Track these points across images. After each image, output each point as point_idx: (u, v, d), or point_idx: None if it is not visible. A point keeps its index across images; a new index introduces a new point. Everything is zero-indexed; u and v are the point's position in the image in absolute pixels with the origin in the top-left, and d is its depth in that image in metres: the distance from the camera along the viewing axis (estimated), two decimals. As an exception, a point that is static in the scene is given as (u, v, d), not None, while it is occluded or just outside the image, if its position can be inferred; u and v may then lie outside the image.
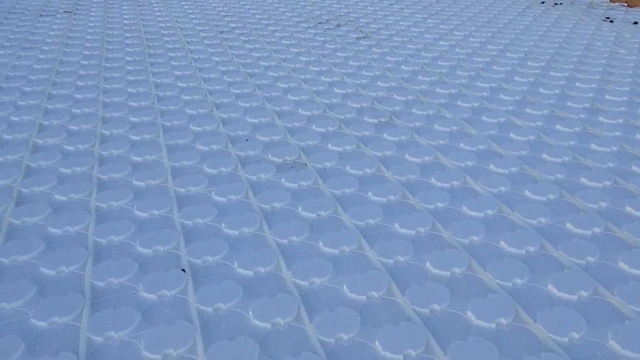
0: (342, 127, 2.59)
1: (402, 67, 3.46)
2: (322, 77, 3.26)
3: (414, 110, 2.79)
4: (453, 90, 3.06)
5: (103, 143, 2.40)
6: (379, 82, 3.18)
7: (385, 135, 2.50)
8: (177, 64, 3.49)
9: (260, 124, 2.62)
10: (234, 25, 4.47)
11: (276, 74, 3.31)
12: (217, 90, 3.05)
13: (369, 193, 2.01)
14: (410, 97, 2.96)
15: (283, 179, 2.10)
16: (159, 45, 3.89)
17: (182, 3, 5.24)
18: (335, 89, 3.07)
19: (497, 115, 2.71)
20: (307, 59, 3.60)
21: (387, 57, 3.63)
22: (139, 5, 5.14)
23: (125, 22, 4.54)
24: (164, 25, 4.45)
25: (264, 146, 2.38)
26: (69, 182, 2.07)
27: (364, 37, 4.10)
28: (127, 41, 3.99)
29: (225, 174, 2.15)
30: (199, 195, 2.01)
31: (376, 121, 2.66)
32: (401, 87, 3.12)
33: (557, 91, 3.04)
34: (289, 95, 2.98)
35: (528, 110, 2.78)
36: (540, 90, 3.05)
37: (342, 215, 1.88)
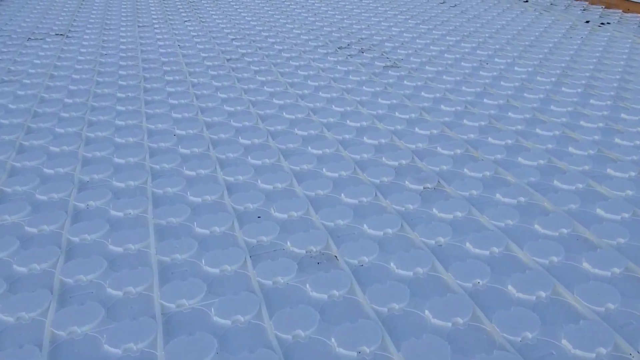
0: (378, 197, 2.04)
1: (442, 106, 2.90)
2: (347, 121, 2.71)
3: (465, 170, 2.25)
4: (510, 141, 2.50)
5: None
6: (416, 128, 2.63)
7: (435, 209, 1.95)
8: (176, 102, 2.96)
9: (276, 191, 2.09)
10: (244, 50, 3.94)
11: (292, 116, 2.77)
12: (222, 140, 2.52)
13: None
14: (458, 151, 2.41)
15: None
16: (156, 76, 3.37)
17: (187, 24, 4.73)
18: (364, 137, 2.53)
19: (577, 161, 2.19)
20: (328, 95, 3.05)
21: (423, 93, 3.08)
22: (138, 27, 4.65)
23: (122, 46, 4.03)
24: (164, 51, 3.93)
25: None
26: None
27: (393, 66, 3.56)
28: (120, 71, 3.47)
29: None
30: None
31: (421, 187, 2.11)
32: (445, 135, 2.56)
33: (634, 129, 2.49)
34: (309, 147, 2.43)
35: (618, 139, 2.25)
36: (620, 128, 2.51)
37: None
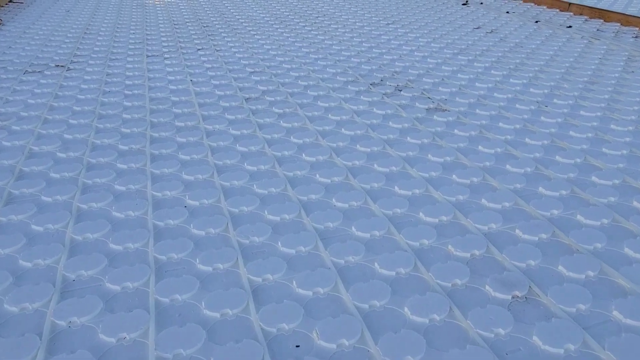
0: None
1: (508, 166, 2.40)
2: (395, 188, 2.20)
3: (560, 268, 1.74)
4: (564, 192, 2.00)
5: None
6: (483, 199, 2.12)
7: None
8: (187, 157, 2.48)
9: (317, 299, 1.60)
10: (264, 87, 3.47)
11: (328, 180, 2.27)
12: (244, 214, 2.03)
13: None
14: (544, 236, 1.90)
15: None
16: (165, 122, 2.90)
17: (200, 54, 4.29)
18: (421, 213, 2.03)
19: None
20: (368, 149, 2.55)
21: (480, 147, 2.59)
22: (147, 56, 4.21)
23: (128, 81, 3.58)
24: (174, 87, 3.47)
25: None
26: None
27: (437, 109, 3.07)
28: (124, 114, 3.01)
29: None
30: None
31: (509, 298, 1.60)
32: (518, 209, 2.06)
33: None
34: (352, 227, 1.92)
35: None
36: None
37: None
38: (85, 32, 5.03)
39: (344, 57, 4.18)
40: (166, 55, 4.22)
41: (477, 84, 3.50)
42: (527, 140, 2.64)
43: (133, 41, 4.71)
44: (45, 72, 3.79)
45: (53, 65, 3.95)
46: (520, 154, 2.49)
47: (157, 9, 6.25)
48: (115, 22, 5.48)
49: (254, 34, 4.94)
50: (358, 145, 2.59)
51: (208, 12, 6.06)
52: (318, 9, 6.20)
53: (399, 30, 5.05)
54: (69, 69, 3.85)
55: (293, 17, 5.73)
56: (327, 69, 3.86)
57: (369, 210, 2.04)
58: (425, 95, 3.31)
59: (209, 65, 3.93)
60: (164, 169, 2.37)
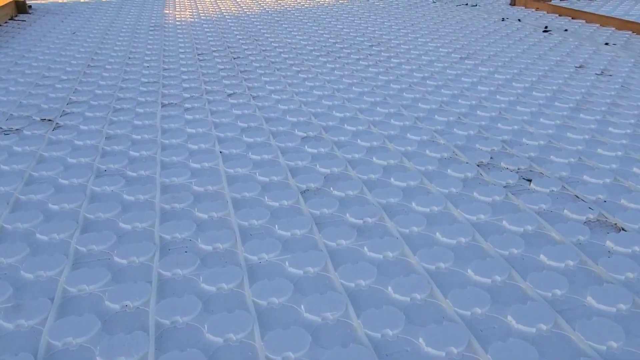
0: None
1: None
2: None
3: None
4: None
5: None
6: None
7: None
8: (213, 289, 1.47)
9: None
10: (325, 169, 2.40)
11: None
12: None
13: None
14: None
15: None
16: (180, 215, 1.88)
17: (231, 102, 3.24)
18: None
19: None
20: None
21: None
22: (162, 105, 3.19)
23: (132, 151, 2.55)
24: (197, 166, 2.44)
25: None
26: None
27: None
28: (123, 203, 1.99)
29: None
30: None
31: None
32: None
33: None
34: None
35: None
36: None
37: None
38: (89, 64, 4.03)
39: (422, 111, 3.11)
40: (187, 105, 3.18)
41: (635, 169, 2.40)
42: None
43: (146, 79, 3.69)
44: (24, 130, 2.79)
45: (38, 119, 2.95)
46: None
47: (178, 31, 5.25)
48: (128, 50, 4.49)
49: (297, 70, 3.90)
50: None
51: (238, 36, 5.04)
52: (368, 34, 5.14)
53: (480, 68, 3.96)
54: (57, 127, 2.84)
55: (341, 45, 4.67)
56: (408, 134, 2.79)
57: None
58: (568, 190, 2.22)
59: (244, 124, 2.88)
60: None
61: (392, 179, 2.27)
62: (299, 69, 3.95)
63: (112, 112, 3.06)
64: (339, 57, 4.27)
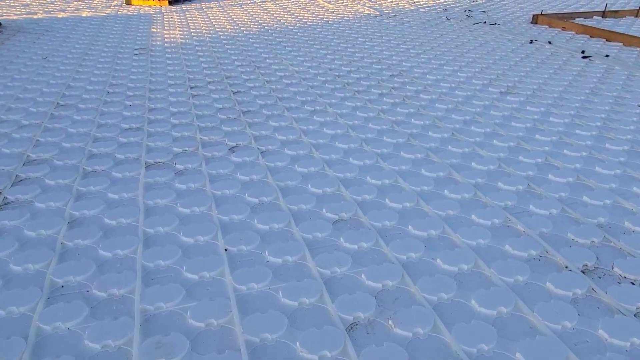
0: None
1: None
2: None
3: None
4: None
5: None
6: None
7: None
8: None
9: None
10: (374, 286, 1.75)
11: None
12: None
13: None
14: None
15: None
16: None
17: (234, 161, 2.53)
18: None
19: None
20: None
21: None
22: (145, 165, 2.48)
23: (103, 250, 1.86)
24: (193, 259, 1.74)
25: None
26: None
27: None
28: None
29: None
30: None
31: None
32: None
33: None
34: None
35: None
36: None
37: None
38: (59, 102, 3.30)
39: (479, 174, 2.43)
40: (178, 165, 2.48)
41: None
42: None
43: (127, 124, 2.97)
44: (-41, 211, 2.07)
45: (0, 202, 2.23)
46: None
47: (167, 55, 4.53)
48: (107, 82, 3.76)
49: (311, 111, 3.20)
50: None
51: (236, 62, 4.33)
52: (385, 60, 4.46)
53: (529, 108, 3.29)
54: (3, 205, 2.12)
55: (356, 75, 3.99)
56: (472, 215, 2.11)
57: None
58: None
59: (255, 200, 2.16)
60: None
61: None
62: (312, 108, 3.26)
63: (81, 177, 2.35)
64: (358, 92, 3.59)
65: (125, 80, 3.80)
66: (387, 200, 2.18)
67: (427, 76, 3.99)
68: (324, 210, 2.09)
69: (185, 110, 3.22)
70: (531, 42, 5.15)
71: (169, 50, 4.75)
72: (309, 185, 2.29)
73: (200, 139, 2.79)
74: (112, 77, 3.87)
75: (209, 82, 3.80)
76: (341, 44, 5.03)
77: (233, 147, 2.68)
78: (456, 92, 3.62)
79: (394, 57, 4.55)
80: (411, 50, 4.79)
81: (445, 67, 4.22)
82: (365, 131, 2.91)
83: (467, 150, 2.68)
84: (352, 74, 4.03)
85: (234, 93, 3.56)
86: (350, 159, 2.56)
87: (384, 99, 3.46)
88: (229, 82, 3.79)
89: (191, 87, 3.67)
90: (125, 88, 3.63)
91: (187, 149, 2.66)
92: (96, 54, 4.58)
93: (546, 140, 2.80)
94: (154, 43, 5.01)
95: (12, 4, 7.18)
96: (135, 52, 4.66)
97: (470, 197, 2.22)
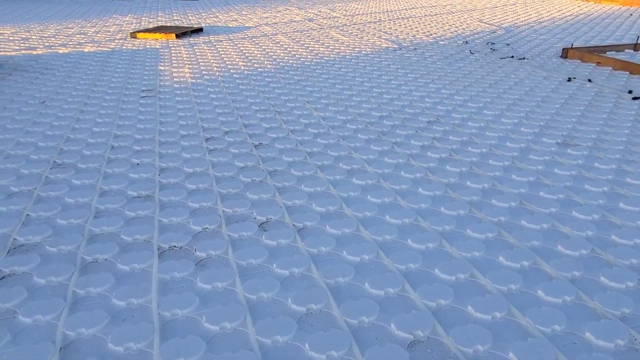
0: None
1: None
2: None
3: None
4: None
5: None
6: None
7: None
8: None
9: None
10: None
11: None
12: None
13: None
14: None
15: None
16: None
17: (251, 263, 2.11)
18: None
19: None
20: None
21: None
22: (158, 253, 2.01)
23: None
24: None
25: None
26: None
27: None
28: None
29: None
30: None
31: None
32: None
33: None
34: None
35: None
36: None
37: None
38: (55, 160, 2.84)
39: (575, 266, 1.97)
40: (199, 252, 2.00)
41: None
42: None
43: (134, 192, 2.51)
44: None
45: (-50, 295, 1.75)
46: None
47: (177, 98, 4.09)
48: (111, 132, 3.30)
49: (348, 170, 2.73)
50: None
51: (253, 105, 3.88)
52: (417, 101, 4.03)
53: (597, 164, 2.83)
54: (-21, 317, 1.65)
55: (390, 121, 3.55)
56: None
57: None
58: None
59: (301, 308, 1.67)
60: None
61: None
62: (349, 167, 2.79)
63: (78, 273, 1.87)
64: (397, 144, 3.14)
65: (132, 130, 3.35)
66: (510, 354, 1.70)
67: (469, 123, 3.55)
68: (394, 328, 1.61)
69: (202, 170, 2.76)
70: (569, 79, 4.73)
71: (178, 91, 4.32)
72: (367, 284, 1.81)
73: (223, 211, 2.32)
74: (116, 127, 3.43)
75: (226, 132, 3.35)
76: (365, 83, 4.61)
77: (263, 224, 2.21)
78: (507, 143, 3.16)
79: (425, 99, 4.12)
80: (443, 91, 4.37)
81: (485, 112, 3.79)
82: (418, 199, 2.44)
83: (584, 253, 2.21)
84: (384, 121, 3.58)
85: (255, 146, 3.10)
86: (409, 240, 2.09)
87: (428, 153, 3.01)
88: (249, 132, 3.35)
89: (206, 139, 3.22)
90: (132, 140, 3.17)
91: (207, 227, 2.18)
92: (99, 96, 4.15)
93: (635, 212, 2.33)
94: (162, 83, 4.59)
95: (11, 38, 6.80)
96: (142, 94, 4.23)
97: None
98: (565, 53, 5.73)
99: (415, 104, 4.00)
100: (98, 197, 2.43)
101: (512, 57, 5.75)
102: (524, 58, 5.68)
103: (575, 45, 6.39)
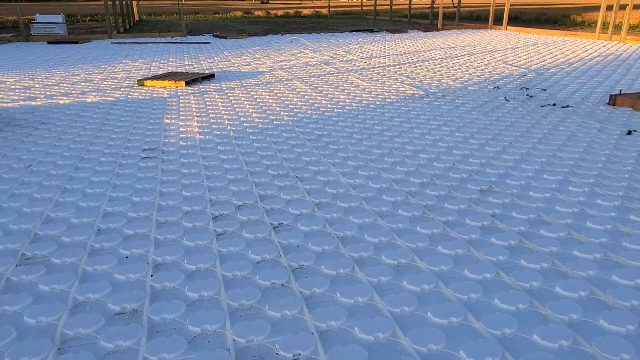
0: None
1: None
2: None
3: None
4: None
5: None
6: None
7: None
8: None
9: None
10: None
11: None
12: None
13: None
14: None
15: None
16: None
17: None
18: None
19: None
20: None
21: None
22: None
23: None
24: None
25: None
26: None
27: None
28: None
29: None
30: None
31: None
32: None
33: None
34: None
35: None
36: None
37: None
38: (24, 252, 2.24)
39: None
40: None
41: None
42: None
43: (117, 305, 1.87)
44: None
45: None
46: None
47: (182, 160, 3.51)
48: (100, 207, 2.71)
49: (395, 267, 2.08)
50: None
51: (270, 169, 3.29)
52: (460, 162, 3.41)
53: None
54: None
55: (434, 191, 2.90)
56: None
57: None
58: None
59: None
60: None
61: None
62: (395, 262, 2.15)
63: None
64: (448, 225, 2.50)
65: (125, 205, 2.76)
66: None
67: (530, 192, 2.91)
68: None
69: (207, 267, 2.14)
70: (629, 132, 4.11)
71: (184, 150, 3.76)
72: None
73: (234, 340, 1.68)
74: (108, 199, 2.84)
75: (238, 207, 2.74)
76: (396, 139, 4.02)
77: (289, 365, 1.57)
78: (588, 223, 2.52)
79: (470, 159, 3.50)
80: (487, 148, 3.76)
81: (545, 177, 3.16)
82: (499, 324, 1.78)
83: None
84: (427, 190, 2.96)
85: (274, 228, 2.49)
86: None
87: (491, 238, 2.36)
88: (265, 207, 2.74)
89: (214, 218, 2.61)
90: (124, 221, 2.58)
91: (212, 371, 1.55)
92: (94, 158, 3.59)
93: None
94: (166, 140, 4.04)
95: (12, 87, 6.38)
96: (143, 154, 3.68)
97: None
98: (614, 100, 5.13)
99: (460, 165, 3.39)
100: (68, 317, 1.81)
101: (554, 104, 5.16)
102: (568, 106, 5.08)
103: (618, 87, 5.80)
